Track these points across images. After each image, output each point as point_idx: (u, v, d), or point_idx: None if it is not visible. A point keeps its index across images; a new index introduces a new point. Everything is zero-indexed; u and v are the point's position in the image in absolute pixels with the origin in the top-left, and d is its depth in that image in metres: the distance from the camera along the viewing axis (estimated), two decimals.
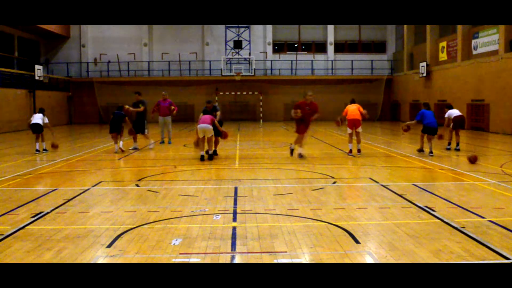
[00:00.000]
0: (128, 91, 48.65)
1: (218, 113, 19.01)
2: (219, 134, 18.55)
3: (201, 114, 18.44)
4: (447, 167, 15.57)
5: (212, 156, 17.93)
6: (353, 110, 19.67)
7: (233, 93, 49.73)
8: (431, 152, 18.63)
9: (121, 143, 20.68)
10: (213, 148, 18.34)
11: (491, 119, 31.92)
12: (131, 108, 22.10)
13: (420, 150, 19.31)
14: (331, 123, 44.92)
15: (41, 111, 21.59)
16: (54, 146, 21.30)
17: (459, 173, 14.40)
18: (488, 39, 33.30)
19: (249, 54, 49.10)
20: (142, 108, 22.31)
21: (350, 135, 19.66)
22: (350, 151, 19.50)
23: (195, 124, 17.71)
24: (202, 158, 17.57)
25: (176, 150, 22.32)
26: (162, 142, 24.67)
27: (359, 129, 19.71)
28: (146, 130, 22.55)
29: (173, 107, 24.50)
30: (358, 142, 19.67)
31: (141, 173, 15.31)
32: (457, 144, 20.77)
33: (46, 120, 21.16)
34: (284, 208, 10.10)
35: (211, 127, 17.55)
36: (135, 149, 21.58)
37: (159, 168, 16.24)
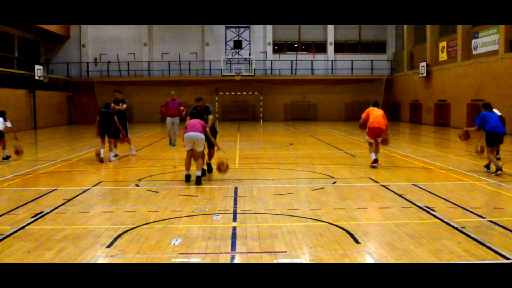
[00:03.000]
0: (127, 91, 48.79)
1: (211, 117, 14.14)
2: (212, 145, 14.15)
3: (188, 118, 13.66)
4: (447, 167, 15.56)
5: (200, 179, 12.99)
6: (377, 116, 16.02)
7: (233, 93, 49.75)
8: (499, 168, 14.02)
9: (115, 152, 18.30)
10: (202, 167, 13.53)
11: None
12: (116, 107, 19.25)
13: (488, 167, 14.77)
14: (331, 123, 45.04)
15: (1, 114, 18.56)
16: (18, 152, 18.61)
17: (459, 173, 14.40)
18: (488, 39, 33.30)
19: (249, 54, 49.08)
20: (124, 106, 19.74)
21: (371, 144, 16.15)
22: (375, 161, 15.93)
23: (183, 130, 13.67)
24: (187, 179, 13.24)
25: (176, 150, 22.30)
26: (173, 144, 23.65)
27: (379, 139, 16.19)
28: (127, 134, 19.89)
29: (182, 107, 23.43)
30: (377, 151, 16.27)
31: (141, 173, 15.29)
32: (497, 152, 16.15)
33: (9, 124, 18.72)
34: (284, 208, 10.11)
35: (202, 136, 13.06)
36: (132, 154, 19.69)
37: (159, 168, 16.23)
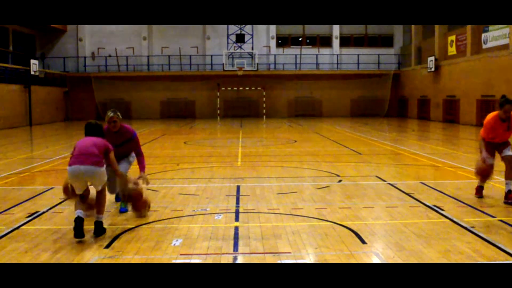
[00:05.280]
0: (126, 87, 48.81)
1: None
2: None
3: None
4: (457, 165, 15.55)
5: (100, 230, 8.15)
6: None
7: (235, 88, 49.71)
8: None
9: None
10: (103, 212, 8.31)
11: None
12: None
13: None
14: (337, 119, 45.02)
15: None
16: None
17: (469, 171, 14.36)
18: (499, 33, 33.23)
19: (252, 48, 49.02)
20: None
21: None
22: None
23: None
24: (77, 231, 7.79)
25: (176, 147, 22.31)
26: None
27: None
28: None
29: None
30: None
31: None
32: None
33: None
34: (288, 207, 10.10)
35: (99, 169, 8.11)
36: None
37: (159, 166, 16.22)
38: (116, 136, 9.76)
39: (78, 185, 8.08)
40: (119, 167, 9.32)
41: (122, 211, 9.76)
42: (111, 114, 9.69)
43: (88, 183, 8.21)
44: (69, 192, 8.25)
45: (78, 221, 7.77)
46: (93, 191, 8.42)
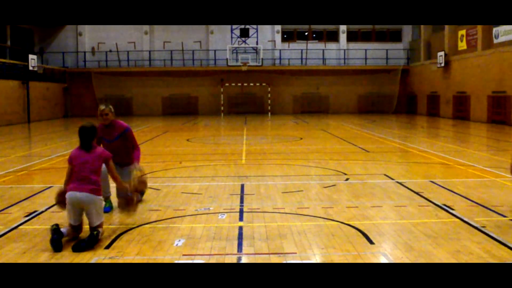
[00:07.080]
0: (127, 82, 48.80)
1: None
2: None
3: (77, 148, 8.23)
4: (467, 163, 15.52)
5: (93, 240, 7.62)
6: None
7: (239, 84, 49.68)
8: None
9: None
10: (97, 226, 7.92)
11: None
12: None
13: None
14: (344, 116, 45.00)
15: None
16: None
17: (480, 169, 14.35)
18: (510, 27, 33.13)
19: (257, 43, 48.97)
20: None
21: None
22: None
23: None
24: (55, 240, 7.48)
25: (179, 145, 22.30)
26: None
27: None
28: None
29: None
30: None
31: None
32: None
33: None
34: (294, 206, 10.10)
35: (96, 197, 7.98)
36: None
37: (161, 164, 16.22)
38: (109, 130, 9.91)
39: (73, 214, 7.94)
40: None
41: (106, 210, 9.56)
42: (103, 107, 9.88)
43: (84, 213, 8.00)
44: (59, 198, 8.21)
45: (57, 234, 7.53)
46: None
